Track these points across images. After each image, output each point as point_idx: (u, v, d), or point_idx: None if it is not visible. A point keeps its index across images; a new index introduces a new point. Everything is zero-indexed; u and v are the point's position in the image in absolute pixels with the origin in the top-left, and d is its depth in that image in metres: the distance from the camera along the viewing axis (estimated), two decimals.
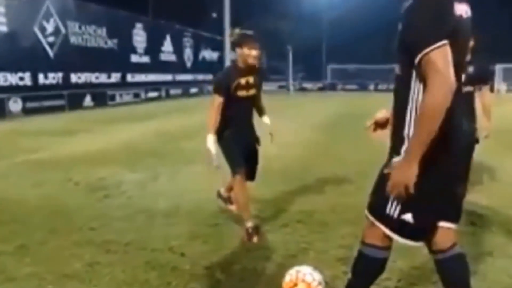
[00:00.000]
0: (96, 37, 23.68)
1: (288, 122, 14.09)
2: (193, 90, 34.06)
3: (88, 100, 21.97)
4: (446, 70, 1.83)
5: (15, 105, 17.65)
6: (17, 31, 18.15)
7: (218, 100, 3.91)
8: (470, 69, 4.92)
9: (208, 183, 5.83)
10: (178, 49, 33.57)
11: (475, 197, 5.16)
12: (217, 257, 3.55)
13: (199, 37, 37.70)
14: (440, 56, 1.83)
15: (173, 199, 5.27)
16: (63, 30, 21.00)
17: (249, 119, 4.22)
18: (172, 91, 30.90)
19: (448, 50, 1.85)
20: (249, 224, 3.92)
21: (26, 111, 17.94)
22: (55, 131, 12.47)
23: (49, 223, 4.43)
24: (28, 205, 5.10)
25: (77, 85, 21.78)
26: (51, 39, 20.21)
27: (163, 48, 31.49)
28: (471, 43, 4.96)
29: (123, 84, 25.79)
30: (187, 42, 35.37)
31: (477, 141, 5.02)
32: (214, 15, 46.88)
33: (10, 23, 17.83)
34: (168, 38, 32.03)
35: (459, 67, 1.97)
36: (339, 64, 46.93)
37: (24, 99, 18.04)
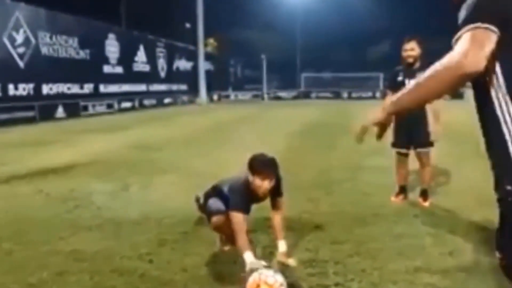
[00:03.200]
0: (67, 47, 23.46)
1: (261, 130, 14.23)
2: (167, 100, 33.98)
3: (60, 111, 21.73)
4: (479, 49, 1.55)
5: None
6: None
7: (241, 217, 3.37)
8: (420, 74, 5.11)
9: (177, 192, 5.90)
10: (151, 59, 33.48)
11: (437, 201, 5.36)
12: (184, 263, 3.61)
13: (172, 47, 37.68)
14: (482, 36, 1.56)
15: (142, 208, 5.30)
16: (33, 40, 20.77)
17: None
18: (146, 101, 30.77)
19: (492, 37, 1.55)
20: None
21: None
22: (26, 143, 12.32)
23: (17, 235, 4.41)
24: None
25: (48, 96, 21.51)
26: (21, 49, 19.95)
27: (137, 58, 31.37)
28: (419, 49, 5.17)
29: (96, 95, 25.57)
30: (161, 52, 35.32)
31: (431, 144, 5.23)
32: (188, 25, 46.94)
33: None
34: (141, 48, 31.93)
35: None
36: (313, 72, 47.52)
37: None
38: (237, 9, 48.74)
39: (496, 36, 1.56)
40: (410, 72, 5.12)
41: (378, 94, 40.29)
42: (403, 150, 5.39)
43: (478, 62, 1.55)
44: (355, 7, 48.30)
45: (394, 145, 5.44)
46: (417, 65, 5.14)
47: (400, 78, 5.23)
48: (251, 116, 21.74)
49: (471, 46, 1.55)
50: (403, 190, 5.54)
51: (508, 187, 1.57)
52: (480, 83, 1.67)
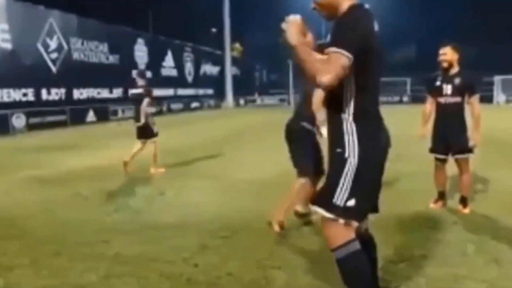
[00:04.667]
0: (98, 52, 23.90)
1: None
2: (194, 104, 34.25)
3: (90, 116, 22.14)
4: (333, 70, 2.17)
5: (18, 120, 17.79)
6: (21, 48, 18.37)
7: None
8: (457, 80, 5.03)
9: (211, 196, 5.91)
10: (179, 64, 33.84)
11: (476, 207, 5.25)
12: (229, 267, 3.62)
13: (199, 52, 38.01)
14: (337, 59, 2.18)
15: (179, 213, 5.34)
16: (65, 46, 21.22)
17: None
18: (174, 106, 31.07)
19: (345, 61, 2.17)
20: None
21: (29, 127, 18.10)
22: (58, 147, 12.57)
23: (60, 237, 4.49)
24: (37, 220, 5.16)
25: (79, 101, 21.95)
26: (54, 55, 20.43)
27: (164, 63, 31.76)
28: (455, 55, 5.12)
29: (125, 99, 25.94)
30: (188, 57, 35.66)
31: (471, 150, 5.12)
32: (214, 30, 47.26)
33: (14, 40, 18.05)
34: (169, 53, 32.33)
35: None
36: None
37: (27, 115, 18.20)
38: (263, 14, 48.81)
39: (348, 60, 2.16)
40: (447, 77, 5.09)
41: (405, 99, 39.76)
42: (441, 156, 5.29)
43: (330, 80, 2.16)
44: (379, 10, 47.93)
45: (432, 150, 5.35)
46: (454, 70, 5.07)
47: (438, 83, 5.19)
48: (278, 120, 21.72)
49: (328, 66, 2.16)
50: (442, 196, 5.43)
51: None
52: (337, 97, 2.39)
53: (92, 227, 4.81)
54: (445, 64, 5.08)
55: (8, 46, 17.85)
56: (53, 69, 20.49)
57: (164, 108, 29.75)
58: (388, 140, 2.51)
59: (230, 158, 9.46)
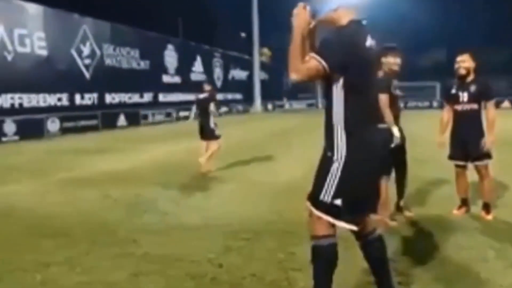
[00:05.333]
0: (129, 58, 24.46)
1: (316, 139, 14.21)
2: (223, 109, 34.56)
3: (121, 120, 22.67)
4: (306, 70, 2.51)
5: (53, 124, 18.40)
6: (56, 54, 18.99)
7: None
8: (473, 87, 5.04)
9: (236, 199, 6.06)
10: (208, 69, 34.25)
11: (498, 213, 5.24)
12: (252, 268, 3.76)
13: (228, 57, 38.38)
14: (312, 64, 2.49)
15: (205, 215, 5.51)
16: (98, 52, 21.82)
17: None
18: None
19: (319, 67, 2.45)
20: None
21: (63, 131, 18.69)
22: (90, 150, 12.97)
23: (91, 236, 4.72)
24: (70, 220, 5.42)
25: (111, 105, 22.50)
26: (87, 61, 21.04)
27: (194, 68, 32.21)
28: (472, 62, 5.14)
29: (155, 104, 26.46)
30: (217, 62, 36.07)
31: (489, 156, 5.11)
32: (243, 35, 47.58)
33: (50, 47, 18.68)
34: (198, 58, 32.77)
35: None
36: None
37: (62, 119, 18.79)
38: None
39: (322, 68, 2.44)
40: (463, 85, 5.10)
41: (435, 104, 39.18)
42: (461, 162, 5.29)
43: (297, 79, 2.52)
44: (407, 14, 47.37)
45: (451, 157, 5.36)
46: (470, 77, 5.09)
47: (453, 91, 5.21)
48: (305, 124, 21.75)
49: (302, 67, 2.49)
50: (465, 202, 5.43)
51: None
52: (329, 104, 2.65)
53: (122, 228, 5.03)
54: (463, 72, 5.08)
55: (44, 52, 18.50)
56: (86, 74, 21.09)
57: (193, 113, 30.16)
58: (380, 149, 2.75)
59: (256, 162, 9.61)
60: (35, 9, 18.35)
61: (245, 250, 4.20)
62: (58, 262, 3.98)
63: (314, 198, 2.65)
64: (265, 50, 48.93)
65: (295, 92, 52.23)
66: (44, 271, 3.76)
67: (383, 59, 4.87)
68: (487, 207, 5.24)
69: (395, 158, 5.03)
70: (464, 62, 5.07)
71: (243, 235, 4.64)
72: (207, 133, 9.03)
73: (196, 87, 31.94)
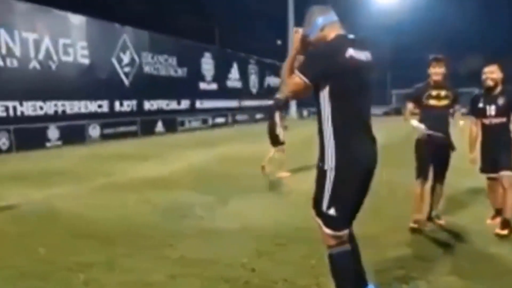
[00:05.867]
0: (167, 66, 24.98)
1: None
2: (259, 115, 34.76)
3: (159, 126, 23.17)
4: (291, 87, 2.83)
5: (94, 130, 18.99)
6: (97, 63, 19.61)
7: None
8: (501, 100, 4.92)
9: (271, 206, 6.16)
10: (244, 76, 34.57)
11: None
12: (284, 273, 3.85)
13: (264, 64, 38.60)
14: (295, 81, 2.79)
15: (240, 221, 5.64)
16: (137, 60, 22.40)
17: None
18: (239, 117, 31.77)
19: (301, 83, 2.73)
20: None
21: (103, 136, 19.26)
22: (129, 156, 13.35)
23: (130, 239, 4.92)
24: (110, 224, 5.65)
25: (149, 112, 23.02)
26: (127, 69, 21.62)
27: (230, 76, 32.57)
28: (500, 73, 5.02)
29: (192, 111, 26.89)
30: (253, 69, 36.33)
31: None
32: (279, 42, 47.77)
33: (92, 55, 19.32)
34: (234, 65, 33.12)
35: None
36: (404, 89, 46.23)
37: (102, 125, 19.37)
38: None
39: (303, 82, 2.70)
40: (490, 98, 5.02)
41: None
42: (492, 175, 5.21)
43: (286, 93, 3.01)
44: (447, 21, 46.58)
45: (482, 170, 5.29)
46: (498, 89, 4.99)
47: (481, 105, 5.11)
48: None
49: (288, 82, 2.80)
50: (499, 212, 5.32)
51: None
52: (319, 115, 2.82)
53: (159, 231, 5.22)
54: (491, 83, 4.96)
55: (86, 61, 19.14)
56: (126, 82, 21.67)
57: (229, 119, 30.52)
58: (370, 160, 2.84)
59: (292, 169, 9.67)
60: (78, 20, 19.04)
61: (277, 255, 4.30)
62: (100, 263, 4.19)
63: (316, 210, 2.86)
64: (301, 57, 48.91)
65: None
66: (87, 271, 3.97)
67: (428, 69, 5.00)
68: (506, 224, 4.92)
69: (436, 167, 5.10)
70: (492, 73, 4.97)
71: (277, 240, 4.74)
72: (272, 139, 9.36)
73: (232, 94, 32.41)
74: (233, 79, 33.04)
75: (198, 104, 27.76)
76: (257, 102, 36.11)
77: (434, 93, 4.99)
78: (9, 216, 6.24)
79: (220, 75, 30.69)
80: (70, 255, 4.41)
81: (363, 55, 2.77)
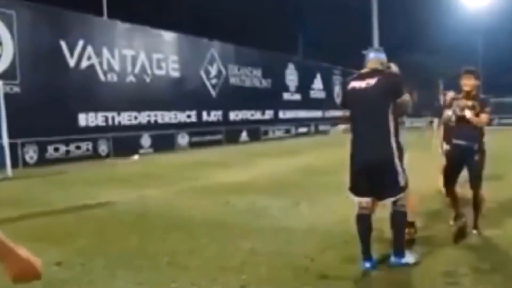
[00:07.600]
0: (252, 77, 25.92)
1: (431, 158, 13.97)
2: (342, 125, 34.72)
3: (244, 136, 24.10)
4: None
5: (182, 139, 20.28)
6: (186, 75, 20.96)
7: None
8: None
9: (338, 207, 6.53)
10: (327, 86, 34.79)
11: None
12: (343, 266, 4.28)
13: (347, 74, 38.39)
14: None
15: (310, 221, 6.09)
16: (224, 72, 23.55)
17: None
18: (321, 127, 32.04)
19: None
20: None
21: (191, 145, 20.51)
22: (214, 163, 14.22)
23: (210, 233, 5.55)
24: (194, 221, 6.32)
25: (234, 122, 24.04)
26: (214, 81, 22.83)
27: (313, 86, 32.95)
28: None
29: (275, 121, 27.62)
30: (336, 79, 36.42)
31: None
32: (364, 52, 47.30)
33: (182, 69, 20.70)
34: (318, 76, 33.46)
35: None
36: (494, 97, 43.69)
37: (190, 134, 20.62)
38: (411, 34, 47.40)
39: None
40: None
41: None
42: None
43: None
44: (493, 33, 43.59)
45: None
46: None
47: None
48: (423, 143, 21.18)
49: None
50: None
51: None
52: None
53: (235, 227, 5.82)
54: None
55: (176, 74, 20.55)
56: (213, 93, 22.87)
57: (312, 129, 30.88)
58: (363, 159, 4.17)
59: None
60: (170, 37, 20.57)
61: (341, 251, 4.69)
62: (183, 251, 4.86)
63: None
64: (392, 65, 47.91)
65: (418, 109, 50.35)
66: (171, 256, 4.64)
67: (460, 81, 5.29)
68: None
69: (470, 171, 5.22)
70: None
71: (342, 238, 5.11)
72: None
73: (315, 104, 32.67)
74: (317, 89, 33.38)
75: (281, 114, 28.42)
76: (341, 113, 36.00)
77: (462, 103, 5.25)
78: (110, 211, 7.23)
79: (304, 86, 31.18)
80: (157, 245, 5.11)
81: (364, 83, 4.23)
